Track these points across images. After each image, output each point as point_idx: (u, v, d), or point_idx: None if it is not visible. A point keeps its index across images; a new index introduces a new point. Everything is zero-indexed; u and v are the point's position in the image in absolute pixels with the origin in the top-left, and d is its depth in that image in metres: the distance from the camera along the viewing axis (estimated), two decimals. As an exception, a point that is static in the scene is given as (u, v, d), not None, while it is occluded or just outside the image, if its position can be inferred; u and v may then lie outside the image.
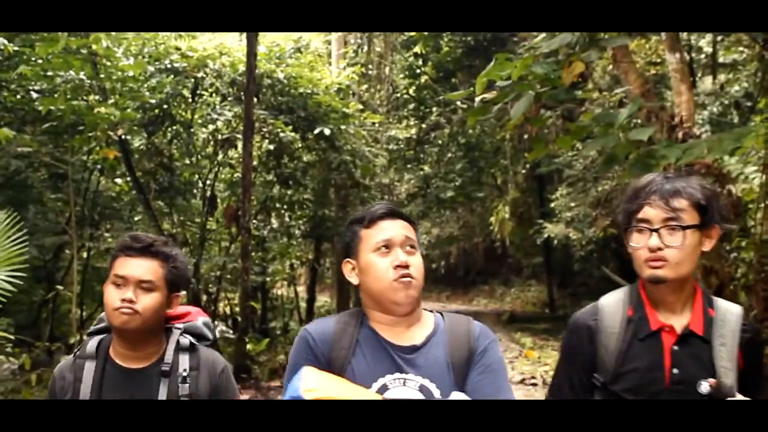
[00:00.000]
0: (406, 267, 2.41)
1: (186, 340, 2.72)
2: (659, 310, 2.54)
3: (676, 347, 2.48)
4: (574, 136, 5.26)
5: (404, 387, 2.36)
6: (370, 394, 2.30)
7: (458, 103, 18.79)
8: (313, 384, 2.25)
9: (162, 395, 2.60)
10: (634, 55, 13.61)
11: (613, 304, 2.61)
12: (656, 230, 2.45)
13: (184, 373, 2.63)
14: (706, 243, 2.50)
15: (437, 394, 2.36)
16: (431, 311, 2.58)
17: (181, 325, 2.78)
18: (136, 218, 13.30)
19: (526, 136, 17.92)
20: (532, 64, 4.70)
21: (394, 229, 2.47)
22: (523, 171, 22.75)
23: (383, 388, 2.35)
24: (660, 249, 2.43)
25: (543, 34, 5.25)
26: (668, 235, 2.44)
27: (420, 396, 2.35)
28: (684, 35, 12.46)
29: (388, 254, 2.43)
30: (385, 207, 2.55)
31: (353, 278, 2.52)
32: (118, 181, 13.15)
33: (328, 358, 2.40)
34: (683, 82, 6.60)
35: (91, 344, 2.70)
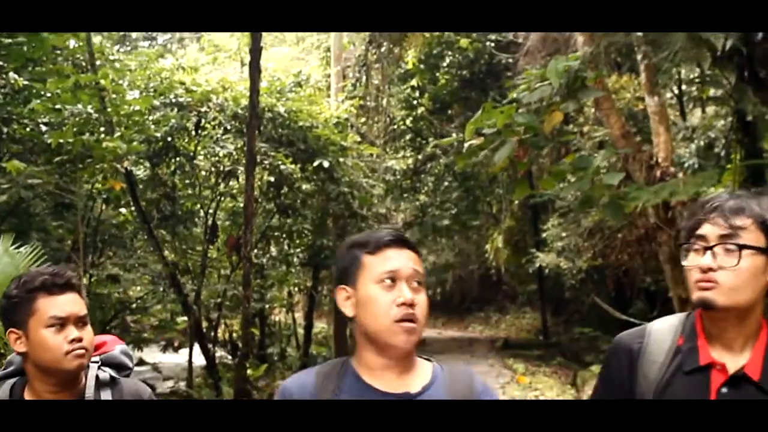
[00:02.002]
0: (411, 306, 2.09)
1: (105, 374, 2.53)
2: (714, 344, 2.19)
3: (724, 389, 2.13)
4: (556, 177, 5.67)
5: None
6: None
7: (454, 134, 19.19)
8: None
9: None
10: (624, 90, 14.08)
11: (663, 329, 2.29)
12: (710, 248, 2.13)
13: None
14: None
15: None
16: (429, 359, 2.27)
17: (97, 358, 2.57)
18: (137, 245, 13.66)
19: (525, 159, 18.25)
20: (515, 113, 5.11)
21: (401, 259, 2.15)
22: (518, 201, 23.08)
23: None
24: (712, 270, 2.11)
25: (525, 85, 5.67)
26: (724, 255, 2.11)
27: None
28: (674, 70, 12.88)
29: (392, 289, 2.11)
30: (394, 233, 2.22)
31: (348, 309, 2.19)
32: (123, 210, 13.49)
33: None
34: (661, 123, 7.01)
35: (3, 390, 2.48)
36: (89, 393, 2.45)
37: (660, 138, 6.95)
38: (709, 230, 2.13)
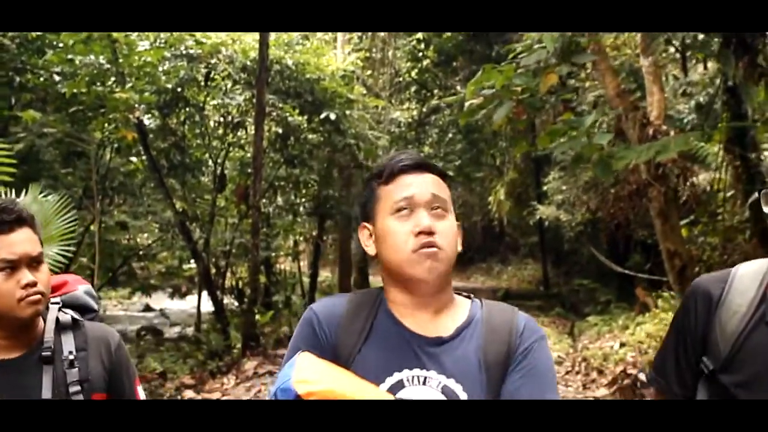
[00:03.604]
0: (430, 234, 1.90)
1: (67, 316, 2.26)
2: None
3: None
4: (552, 135, 5.98)
5: (423, 386, 1.90)
6: (378, 392, 1.83)
7: (458, 87, 19.40)
8: (307, 374, 1.80)
9: (46, 386, 2.14)
10: (624, 46, 14.28)
11: (748, 275, 2.00)
12: None
13: (71, 357, 2.19)
14: None
15: (463, 398, 1.88)
16: (469, 296, 2.08)
17: (58, 299, 2.32)
18: (146, 193, 13.94)
19: (524, 117, 18.49)
20: (514, 74, 5.41)
21: (419, 185, 1.96)
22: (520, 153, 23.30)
23: (398, 386, 1.89)
24: None
25: (524, 45, 5.95)
26: None
27: (441, 398, 1.88)
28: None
29: (409, 218, 1.93)
30: (410, 157, 2.01)
31: (370, 247, 2.02)
32: (133, 159, 13.77)
33: (334, 345, 1.94)
34: (655, 83, 7.28)
35: None
36: (48, 337, 2.20)
37: (654, 97, 7.23)
38: None
